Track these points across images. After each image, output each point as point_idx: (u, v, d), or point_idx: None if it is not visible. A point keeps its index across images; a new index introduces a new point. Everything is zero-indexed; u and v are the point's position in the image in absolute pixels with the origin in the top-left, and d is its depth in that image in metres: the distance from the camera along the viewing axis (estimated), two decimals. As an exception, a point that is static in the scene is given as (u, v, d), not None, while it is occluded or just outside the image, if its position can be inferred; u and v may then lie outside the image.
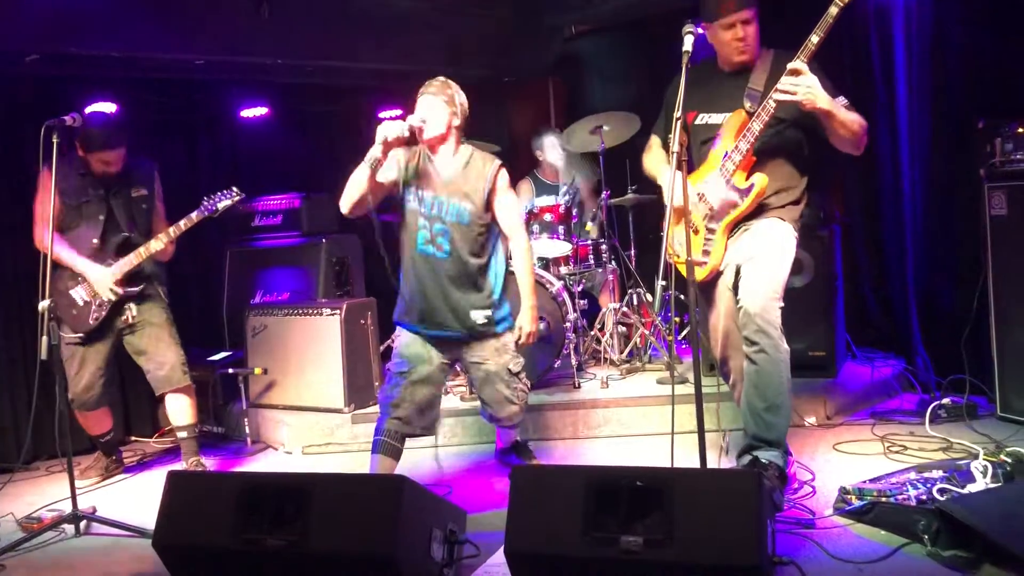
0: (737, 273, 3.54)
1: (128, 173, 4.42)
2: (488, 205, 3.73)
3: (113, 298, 4.32)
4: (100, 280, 4.30)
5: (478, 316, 3.72)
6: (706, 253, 3.61)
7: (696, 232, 3.63)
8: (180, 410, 4.52)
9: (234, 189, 4.42)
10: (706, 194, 3.61)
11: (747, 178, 3.51)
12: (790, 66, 3.26)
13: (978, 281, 4.40)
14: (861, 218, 5.55)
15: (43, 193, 4.27)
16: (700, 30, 3.47)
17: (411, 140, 3.66)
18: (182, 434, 4.55)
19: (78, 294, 4.34)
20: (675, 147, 3.05)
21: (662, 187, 3.72)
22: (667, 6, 5.70)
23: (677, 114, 3.07)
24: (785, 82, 3.27)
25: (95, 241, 4.33)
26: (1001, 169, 4.24)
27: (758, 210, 3.57)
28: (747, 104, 3.50)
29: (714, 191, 3.58)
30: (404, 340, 3.78)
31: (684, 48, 3.17)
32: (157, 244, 4.31)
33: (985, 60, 4.71)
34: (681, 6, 5.50)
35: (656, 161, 3.84)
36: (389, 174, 3.66)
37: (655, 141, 3.90)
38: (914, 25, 5.08)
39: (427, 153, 3.74)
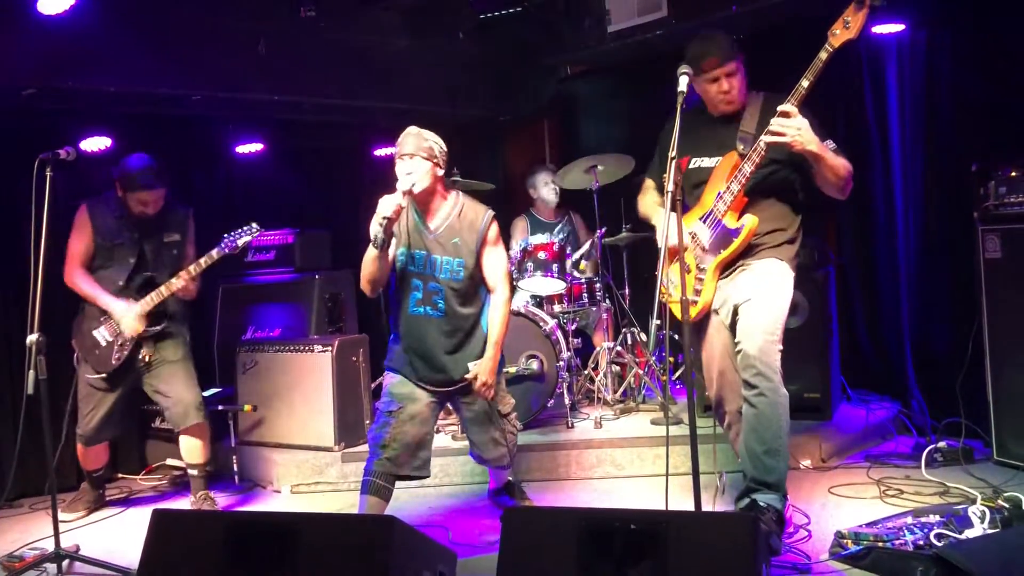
0: (735, 313, 3.53)
1: (164, 217, 4.46)
2: (479, 257, 3.70)
3: (136, 333, 4.30)
4: (125, 315, 4.30)
5: (473, 365, 3.70)
6: (697, 292, 3.61)
7: (688, 272, 3.62)
8: (193, 449, 4.50)
9: (254, 225, 4.41)
10: (698, 234, 3.62)
11: (738, 219, 3.52)
12: (780, 108, 3.29)
13: (973, 323, 4.39)
14: (855, 260, 5.55)
15: (79, 231, 4.35)
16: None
17: None
18: (193, 471, 4.54)
19: (101, 334, 4.35)
20: (670, 186, 3.06)
21: (657, 228, 3.72)
22: (661, 48, 5.75)
23: (672, 153, 3.07)
24: (775, 124, 3.29)
25: (120, 283, 4.36)
26: (995, 212, 4.25)
27: (752, 250, 3.57)
28: (740, 146, 3.52)
29: (706, 231, 3.59)
30: (394, 379, 3.74)
31: (679, 89, 3.19)
32: (178, 282, 4.31)
33: (978, 104, 4.75)
34: (675, 48, 5.56)
35: (651, 203, 3.85)
36: (393, 243, 3.63)
37: (649, 183, 3.92)
38: (907, 69, 5.14)
39: (416, 209, 3.69)
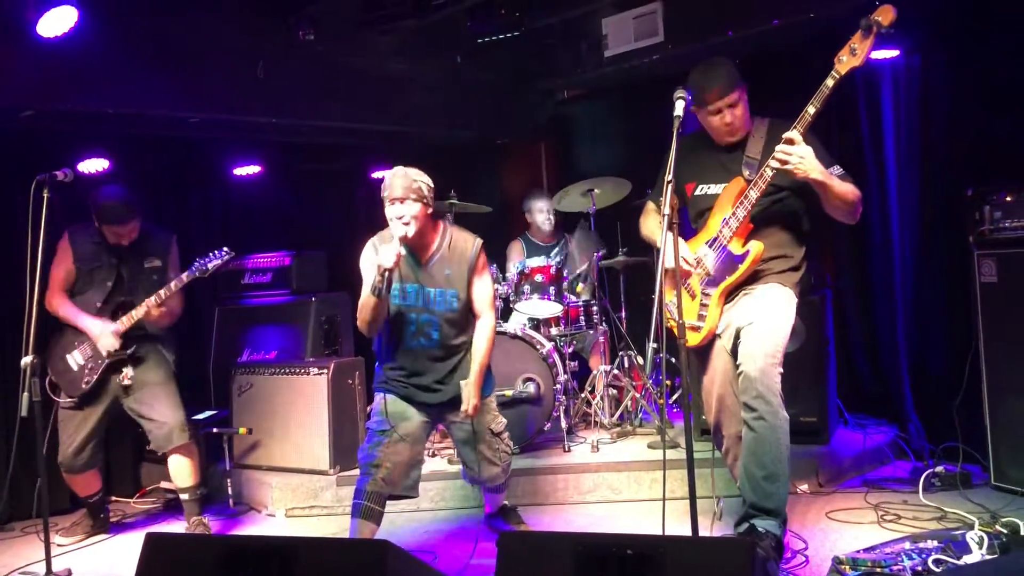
0: (736, 337, 3.52)
1: (144, 242, 4.48)
2: (470, 285, 3.71)
3: (112, 349, 4.30)
4: (101, 333, 4.31)
5: (464, 383, 3.69)
6: (701, 318, 3.60)
7: (693, 297, 3.62)
8: (181, 470, 4.47)
9: (225, 249, 4.41)
10: (704, 259, 3.61)
11: (743, 245, 3.52)
12: (785, 136, 3.28)
13: (969, 347, 4.39)
14: (852, 283, 5.55)
15: (60, 257, 4.39)
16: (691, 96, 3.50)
17: None
18: (184, 496, 4.50)
19: (74, 359, 4.36)
20: (666, 209, 3.06)
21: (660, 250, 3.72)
22: (658, 72, 5.79)
23: (668, 177, 3.07)
24: (779, 151, 3.29)
25: (97, 304, 4.38)
26: (990, 236, 4.26)
27: (757, 276, 3.57)
28: (745, 172, 3.52)
29: (711, 257, 3.59)
30: (386, 399, 3.73)
31: (675, 113, 3.20)
32: (139, 312, 4.32)
33: (973, 128, 4.78)
34: (672, 72, 5.60)
35: (654, 225, 3.85)
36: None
37: (651, 206, 3.92)
38: (902, 93, 5.17)
39: (407, 245, 3.65)
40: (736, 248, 3.53)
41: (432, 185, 3.63)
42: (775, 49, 5.38)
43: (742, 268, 3.51)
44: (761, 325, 3.44)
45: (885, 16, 3.11)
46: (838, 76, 3.22)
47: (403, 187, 3.53)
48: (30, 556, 4.18)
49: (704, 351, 3.67)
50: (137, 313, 4.32)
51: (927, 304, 5.13)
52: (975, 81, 4.76)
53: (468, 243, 3.73)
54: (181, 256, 4.60)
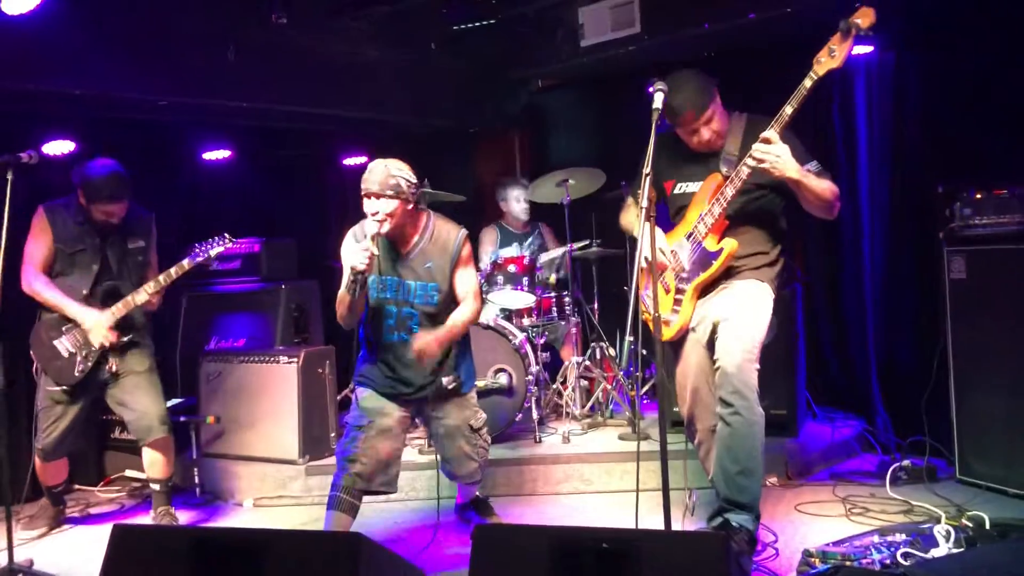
0: (713, 331, 3.53)
1: (127, 223, 4.33)
2: (452, 277, 3.66)
3: (106, 344, 4.18)
4: (95, 326, 4.16)
5: (447, 380, 3.67)
6: (675, 312, 3.61)
7: (668, 291, 3.63)
8: (156, 463, 4.38)
9: (226, 235, 4.32)
10: (679, 253, 3.62)
11: (718, 241, 3.52)
12: (762, 135, 3.29)
13: (937, 343, 4.43)
14: (822, 278, 5.59)
15: (36, 235, 4.19)
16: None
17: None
18: (155, 486, 4.42)
19: (62, 345, 4.20)
20: (644, 202, 3.04)
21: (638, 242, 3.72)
22: (634, 63, 5.78)
23: (646, 170, 3.05)
24: (756, 151, 3.29)
25: (85, 292, 4.22)
26: (960, 234, 4.30)
27: (732, 271, 3.58)
28: (723, 168, 3.52)
29: (686, 252, 3.60)
30: (364, 393, 3.69)
31: (654, 105, 3.18)
32: (140, 297, 4.20)
33: (945, 126, 4.82)
34: (648, 63, 5.60)
35: (633, 218, 3.85)
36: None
37: (631, 201, 3.92)
38: (875, 90, 5.21)
39: (386, 238, 3.60)
40: (711, 245, 3.53)
41: (413, 180, 3.52)
42: (753, 44, 5.39)
43: (716, 265, 3.52)
44: (738, 320, 3.45)
45: (865, 19, 3.10)
46: (816, 77, 3.21)
47: (379, 182, 3.44)
48: (-9, 546, 4.09)
49: (679, 344, 3.68)
50: (135, 300, 4.19)
51: (896, 299, 5.18)
52: (947, 79, 4.80)
53: (451, 235, 3.65)
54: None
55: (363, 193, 3.48)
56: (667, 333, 3.60)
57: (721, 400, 3.43)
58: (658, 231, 3.30)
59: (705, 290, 3.60)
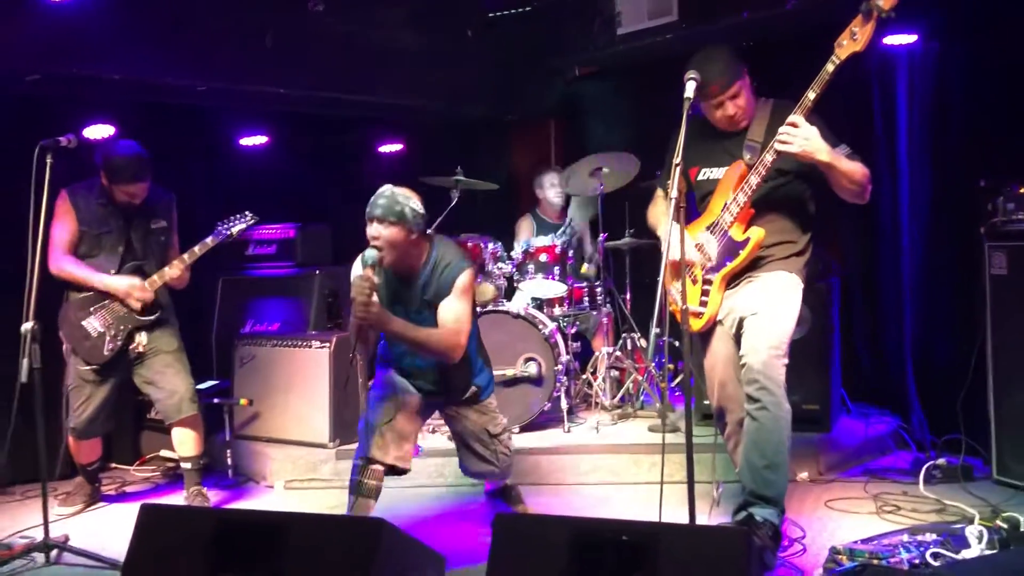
0: (740, 325, 3.49)
1: (149, 205, 4.37)
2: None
3: (148, 300, 4.23)
4: (131, 288, 4.21)
5: (466, 392, 3.69)
6: (703, 303, 3.57)
7: (695, 283, 3.59)
8: (186, 441, 4.45)
9: (248, 213, 4.38)
10: (704, 245, 3.57)
11: (744, 231, 3.48)
12: (788, 120, 3.25)
13: (976, 340, 4.34)
14: (859, 272, 5.51)
15: (60, 218, 4.24)
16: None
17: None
18: (186, 465, 4.48)
19: (91, 325, 4.25)
20: (673, 193, 3.01)
21: (661, 237, 3.69)
22: (671, 52, 5.71)
23: (676, 159, 3.03)
24: (782, 134, 3.25)
25: (112, 272, 4.28)
26: (1002, 229, 4.20)
27: (760, 261, 3.53)
28: (747, 156, 3.48)
29: (712, 242, 3.55)
30: (387, 372, 3.71)
31: (685, 94, 3.15)
32: (172, 271, 4.26)
33: (988, 119, 4.71)
34: (685, 52, 5.53)
35: (659, 213, 3.83)
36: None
37: (659, 193, 3.89)
38: (917, 81, 5.10)
39: (392, 270, 3.55)
40: (737, 234, 3.49)
41: (420, 211, 3.43)
42: (792, 34, 5.30)
43: (743, 254, 3.47)
44: (765, 315, 3.41)
45: (886, 0, 3.04)
46: (838, 61, 3.17)
47: (384, 207, 3.36)
48: (29, 520, 4.19)
49: (707, 336, 3.64)
50: (171, 272, 4.24)
51: (934, 295, 5.08)
52: (991, 70, 4.68)
53: (453, 268, 3.52)
54: (183, 224, 4.57)
55: (367, 217, 3.41)
56: (696, 325, 3.56)
57: (748, 396, 3.39)
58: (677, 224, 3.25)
59: (732, 280, 3.56)
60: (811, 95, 3.23)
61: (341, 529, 2.80)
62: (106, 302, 4.27)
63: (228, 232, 4.31)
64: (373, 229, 3.39)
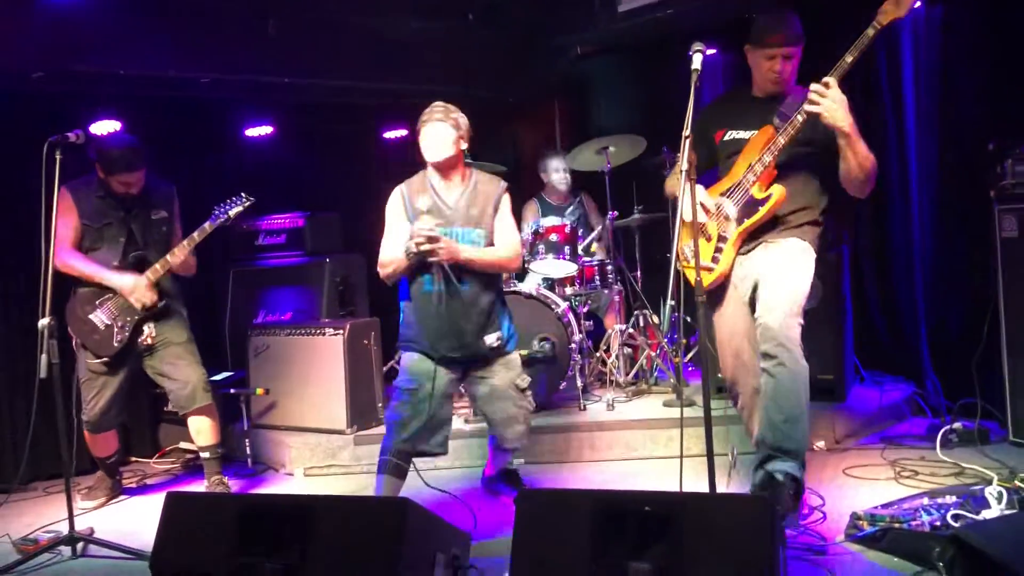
0: (754, 289, 3.52)
1: (148, 195, 4.40)
2: (493, 226, 3.68)
3: (148, 303, 4.26)
4: (136, 286, 4.25)
5: (491, 340, 3.66)
6: (715, 260, 3.61)
7: (709, 240, 3.62)
8: (203, 430, 4.48)
9: (243, 195, 4.39)
10: (724, 204, 3.62)
11: (765, 188, 3.52)
12: (823, 80, 3.28)
13: (988, 303, 4.34)
14: (869, 240, 5.50)
15: (63, 214, 4.22)
16: (710, 51, 3.48)
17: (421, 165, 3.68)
18: (205, 454, 4.51)
19: (98, 318, 4.29)
20: (684, 164, 3.05)
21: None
22: (672, 28, 5.69)
23: (686, 132, 3.05)
24: (813, 91, 3.28)
25: (115, 263, 4.30)
26: (1012, 191, 4.20)
27: (776, 225, 3.57)
28: (776, 122, 3.51)
29: (733, 200, 3.60)
30: (412, 357, 3.69)
31: (693, 66, 3.15)
32: (174, 259, 4.28)
33: (994, 82, 4.69)
34: (686, 28, 5.52)
35: (675, 182, 3.84)
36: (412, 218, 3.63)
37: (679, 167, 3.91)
38: (923, 45, 5.08)
39: (433, 183, 3.66)
40: (758, 192, 3.53)
41: (469, 125, 3.68)
42: (796, 7, 5.26)
43: (763, 211, 3.51)
44: (781, 279, 3.44)
45: None
46: (879, 27, 3.23)
47: (441, 112, 3.61)
48: (53, 515, 4.22)
49: (721, 304, 3.67)
50: (172, 259, 4.26)
51: (946, 260, 5.08)
52: (998, 33, 4.67)
53: (493, 185, 3.73)
54: (193, 217, 4.58)
55: (422, 121, 3.61)
56: (707, 279, 3.56)
57: (764, 354, 3.41)
58: (699, 187, 3.37)
59: (746, 241, 3.59)
60: (848, 58, 3.30)
61: (367, 510, 2.83)
62: (111, 294, 4.30)
63: (225, 215, 4.33)
64: (430, 129, 3.59)
